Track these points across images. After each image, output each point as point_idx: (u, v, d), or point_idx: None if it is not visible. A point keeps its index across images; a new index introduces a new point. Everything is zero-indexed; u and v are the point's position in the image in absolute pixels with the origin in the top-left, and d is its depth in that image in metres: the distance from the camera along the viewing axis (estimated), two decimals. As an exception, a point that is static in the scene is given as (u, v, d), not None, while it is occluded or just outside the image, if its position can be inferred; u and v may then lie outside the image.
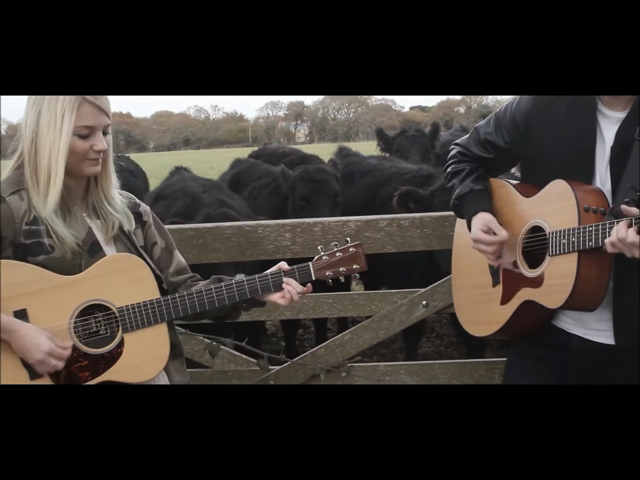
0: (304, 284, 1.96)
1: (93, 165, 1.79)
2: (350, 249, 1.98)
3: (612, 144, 1.87)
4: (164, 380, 1.93)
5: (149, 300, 1.81)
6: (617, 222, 1.69)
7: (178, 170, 5.25)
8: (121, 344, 1.80)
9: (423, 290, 2.61)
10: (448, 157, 2.26)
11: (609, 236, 1.70)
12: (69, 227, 1.77)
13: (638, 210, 1.64)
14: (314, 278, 1.95)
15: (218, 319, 2.10)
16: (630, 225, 1.64)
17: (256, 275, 1.92)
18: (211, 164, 21.22)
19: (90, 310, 1.79)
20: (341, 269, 1.98)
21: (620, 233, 1.65)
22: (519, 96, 2.09)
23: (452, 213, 2.38)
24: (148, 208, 2.04)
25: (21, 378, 1.74)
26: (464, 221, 2.19)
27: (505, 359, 2.36)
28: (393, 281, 4.10)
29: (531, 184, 2.04)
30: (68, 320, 1.77)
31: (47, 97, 1.72)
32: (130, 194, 2.03)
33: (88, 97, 1.72)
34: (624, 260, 1.78)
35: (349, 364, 2.67)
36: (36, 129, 1.74)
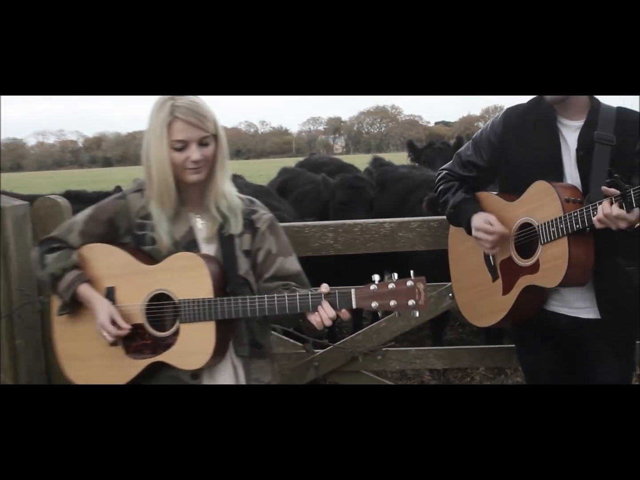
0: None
1: (193, 174, 1.77)
2: (408, 283, 1.66)
3: (576, 147, 1.98)
4: (232, 375, 1.86)
5: (201, 299, 1.77)
6: (599, 203, 1.78)
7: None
8: (177, 332, 1.78)
9: (449, 283, 2.57)
10: (437, 179, 2.30)
11: (593, 216, 1.79)
12: (173, 225, 1.81)
13: (617, 190, 1.73)
14: (354, 306, 1.68)
15: (296, 330, 2.03)
16: (612, 203, 1.73)
17: (297, 293, 1.75)
18: (260, 172, 21.34)
19: (160, 298, 1.80)
20: (392, 303, 1.66)
21: (605, 209, 1.74)
22: (491, 121, 2.21)
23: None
24: (267, 216, 1.92)
25: (105, 343, 1.80)
26: (457, 230, 2.23)
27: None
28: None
29: (510, 192, 2.11)
30: (141, 302, 1.80)
31: (154, 113, 1.74)
32: (255, 201, 1.97)
33: (179, 114, 1.71)
34: (600, 242, 1.91)
35: (384, 349, 2.66)
36: (148, 142, 1.77)
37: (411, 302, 1.65)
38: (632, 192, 1.71)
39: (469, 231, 2.08)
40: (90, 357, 1.84)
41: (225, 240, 1.84)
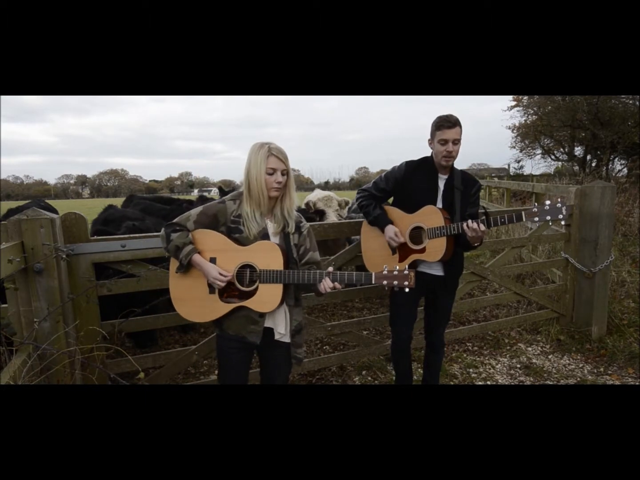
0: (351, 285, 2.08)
1: (275, 191, 1.86)
2: (405, 272, 1.81)
3: (443, 190, 2.41)
4: (284, 316, 1.97)
5: (273, 270, 1.84)
6: (462, 223, 2.22)
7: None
8: (257, 288, 1.86)
9: (339, 253, 3.02)
10: (359, 196, 2.56)
11: (456, 230, 2.24)
12: (257, 223, 1.89)
13: (472, 220, 2.22)
14: (373, 282, 1.83)
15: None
16: (478, 223, 2.19)
17: (318, 271, 1.87)
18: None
19: (245, 266, 1.88)
20: (395, 282, 1.80)
21: (479, 226, 2.19)
22: (397, 166, 2.49)
23: (351, 221, 2.90)
24: (307, 225, 2.00)
25: (205, 292, 1.91)
26: (368, 226, 2.57)
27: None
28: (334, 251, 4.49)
29: (404, 209, 2.44)
30: (234, 268, 1.88)
31: (255, 152, 1.83)
32: (301, 216, 2.03)
33: (273, 152, 1.82)
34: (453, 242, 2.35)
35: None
36: (249, 170, 1.85)
37: (406, 283, 1.81)
38: (491, 219, 2.17)
39: (382, 231, 2.45)
40: (193, 299, 1.91)
41: (285, 235, 1.93)
